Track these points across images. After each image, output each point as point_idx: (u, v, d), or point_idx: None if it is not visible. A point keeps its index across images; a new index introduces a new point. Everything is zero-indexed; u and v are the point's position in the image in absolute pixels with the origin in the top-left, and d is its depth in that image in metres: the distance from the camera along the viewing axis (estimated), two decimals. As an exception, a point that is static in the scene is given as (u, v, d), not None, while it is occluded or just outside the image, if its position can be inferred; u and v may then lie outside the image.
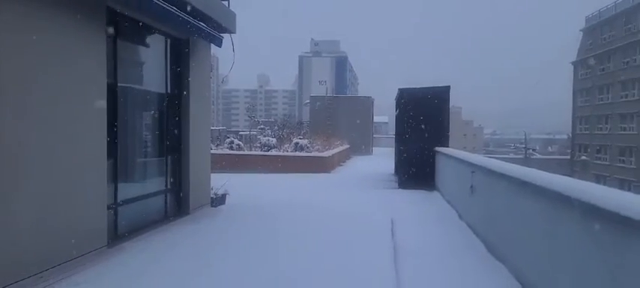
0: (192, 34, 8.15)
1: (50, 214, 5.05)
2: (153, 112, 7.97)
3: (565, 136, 74.15)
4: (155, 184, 7.97)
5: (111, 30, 6.14)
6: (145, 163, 7.92)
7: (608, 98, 48.65)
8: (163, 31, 7.76)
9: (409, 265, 5.70)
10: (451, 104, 13.96)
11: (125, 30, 6.69)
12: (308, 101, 43.48)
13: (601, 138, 49.51)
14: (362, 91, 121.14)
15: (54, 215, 5.10)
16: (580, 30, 55.46)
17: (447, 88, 13.43)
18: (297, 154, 20.21)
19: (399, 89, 14.42)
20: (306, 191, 12.97)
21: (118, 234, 6.51)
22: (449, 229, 7.89)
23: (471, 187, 7.70)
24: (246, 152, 20.36)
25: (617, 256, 2.97)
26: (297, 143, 21.45)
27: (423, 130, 13.28)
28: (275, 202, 10.63)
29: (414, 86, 13.89)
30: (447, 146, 12.90)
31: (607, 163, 48.34)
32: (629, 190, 38.78)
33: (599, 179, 46.33)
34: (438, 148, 12.75)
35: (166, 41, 8.06)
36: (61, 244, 5.17)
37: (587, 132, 53.00)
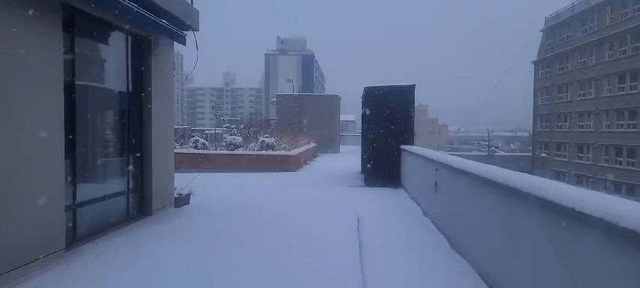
0: (153, 32, 8.00)
1: (2, 215, 4.85)
2: (114, 110, 7.76)
3: (527, 134, 76.11)
4: (116, 184, 7.77)
5: (67, 26, 5.95)
6: (105, 163, 7.71)
7: (566, 97, 50.21)
8: (124, 28, 7.56)
9: (375, 262, 5.74)
10: (417, 102, 14.14)
11: (83, 26, 6.48)
12: (275, 99, 43.34)
13: (560, 135, 51.08)
14: (329, 89, 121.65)
15: (7, 216, 4.90)
16: (540, 30, 56.99)
17: (412, 86, 13.59)
18: (264, 152, 20.10)
19: (365, 88, 14.50)
20: (272, 190, 12.92)
21: (77, 236, 6.32)
22: (413, 226, 7.98)
23: (435, 184, 7.82)
24: (211, 151, 20.14)
25: (571, 250, 3.05)
26: (263, 142, 21.34)
27: (388, 128, 13.42)
28: (240, 201, 10.53)
29: (380, 85, 13.98)
30: (413, 144, 13.06)
31: (566, 159, 49.93)
32: (586, 185, 40.26)
33: (558, 175, 47.90)
34: (403, 146, 12.90)
35: (127, 38, 7.87)
36: (15, 246, 4.98)
37: (547, 129, 54.59)
